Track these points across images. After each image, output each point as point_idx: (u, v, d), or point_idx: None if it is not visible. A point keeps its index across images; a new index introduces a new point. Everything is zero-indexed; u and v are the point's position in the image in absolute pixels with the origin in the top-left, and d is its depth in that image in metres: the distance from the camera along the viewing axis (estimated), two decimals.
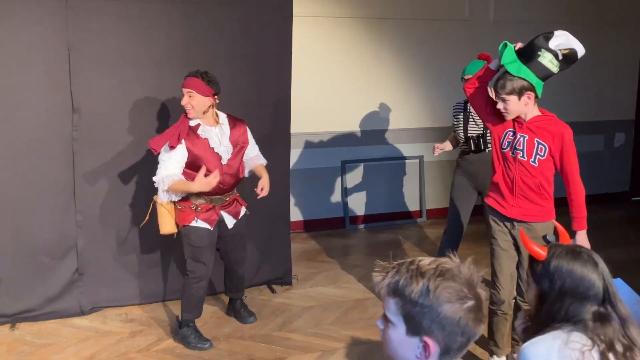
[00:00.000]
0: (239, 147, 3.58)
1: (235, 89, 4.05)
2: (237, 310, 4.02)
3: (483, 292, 1.29)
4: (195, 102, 3.35)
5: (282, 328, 3.85)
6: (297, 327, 3.86)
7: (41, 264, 3.91)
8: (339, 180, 6.06)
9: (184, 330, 3.62)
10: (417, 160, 6.38)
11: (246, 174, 3.77)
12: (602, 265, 1.64)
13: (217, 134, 3.49)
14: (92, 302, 4.04)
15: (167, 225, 3.50)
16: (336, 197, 6.09)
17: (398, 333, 1.29)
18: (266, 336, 3.73)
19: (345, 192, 6.08)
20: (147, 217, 3.65)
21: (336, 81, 5.84)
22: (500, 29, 6.13)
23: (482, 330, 1.30)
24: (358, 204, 6.19)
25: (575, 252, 1.66)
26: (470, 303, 1.25)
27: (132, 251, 4.12)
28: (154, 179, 3.41)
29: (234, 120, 3.61)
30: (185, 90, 3.35)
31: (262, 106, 4.29)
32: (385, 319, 1.33)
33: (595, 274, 1.60)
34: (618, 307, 1.59)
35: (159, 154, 3.42)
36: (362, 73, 5.94)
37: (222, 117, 3.58)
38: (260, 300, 4.21)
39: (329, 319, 3.98)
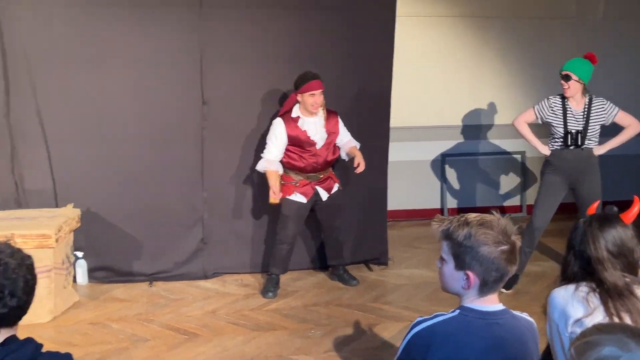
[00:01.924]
0: (331, 135, 4.22)
1: (340, 85, 4.53)
2: (340, 275, 4.56)
3: (517, 241, 1.65)
4: (321, 99, 4.02)
5: (376, 300, 4.27)
6: (389, 300, 4.27)
7: (173, 232, 4.62)
8: (438, 172, 6.35)
9: (267, 278, 4.37)
10: (519, 156, 6.50)
11: (344, 157, 4.39)
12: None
13: (314, 123, 4.13)
14: (214, 267, 4.70)
15: (272, 196, 4.16)
16: (435, 189, 6.38)
17: (449, 268, 1.69)
18: (362, 305, 4.16)
19: (444, 184, 6.36)
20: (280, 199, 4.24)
21: (438, 78, 6.11)
22: (609, 27, 6.10)
23: (514, 270, 1.66)
24: (456, 196, 6.44)
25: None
26: (504, 247, 1.62)
27: (248, 225, 4.73)
28: (262, 155, 4.18)
29: (328, 112, 4.24)
30: (318, 92, 4.01)
31: (364, 101, 4.73)
32: (441, 259, 1.73)
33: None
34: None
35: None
36: (464, 71, 6.16)
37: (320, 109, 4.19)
38: (358, 275, 4.64)
39: (420, 296, 4.34)
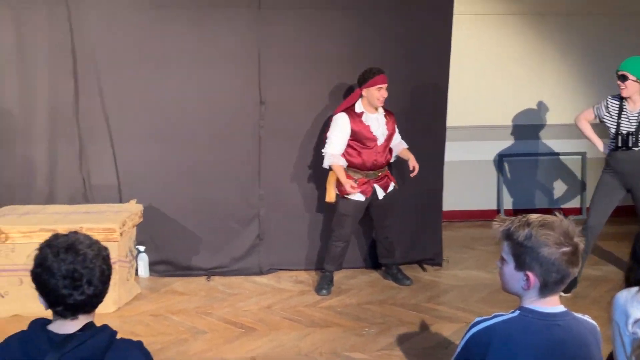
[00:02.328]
0: (390, 134, 4.26)
1: (397, 84, 4.51)
2: (393, 274, 4.57)
3: (581, 243, 1.63)
4: (386, 94, 4.09)
5: (430, 300, 4.26)
6: (444, 301, 4.24)
7: (231, 229, 4.74)
8: (494, 173, 6.25)
9: (321, 275, 4.43)
10: (579, 157, 6.32)
11: (392, 158, 4.41)
12: None
13: (377, 119, 4.18)
14: (269, 264, 4.79)
15: (331, 194, 4.25)
16: (491, 189, 6.28)
17: (509, 269, 1.69)
18: (415, 305, 4.16)
19: (501, 185, 6.25)
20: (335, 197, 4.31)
21: (495, 77, 6.02)
22: None
23: (576, 272, 1.64)
24: (513, 197, 6.33)
25: None
26: (565, 248, 1.60)
27: (303, 223, 4.79)
28: (323, 151, 4.22)
29: (386, 111, 4.28)
30: (384, 86, 4.07)
31: (421, 100, 4.72)
32: (501, 259, 1.72)
33: None
34: None
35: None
36: (523, 69, 6.05)
37: (380, 107, 4.23)
38: (412, 275, 4.62)
39: (475, 297, 4.29)
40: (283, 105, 4.64)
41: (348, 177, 4.21)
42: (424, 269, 4.87)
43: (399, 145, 4.41)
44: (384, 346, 3.56)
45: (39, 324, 1.68)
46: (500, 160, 6.23)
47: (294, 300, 4.27)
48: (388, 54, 4.59)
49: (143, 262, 4.66)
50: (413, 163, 4.27)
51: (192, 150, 4.63)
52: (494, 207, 6.28)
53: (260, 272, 4.75)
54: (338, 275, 4.58)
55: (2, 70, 4.42)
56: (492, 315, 1.74)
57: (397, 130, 4.37)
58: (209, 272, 4.72)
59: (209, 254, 4.74)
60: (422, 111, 4.73)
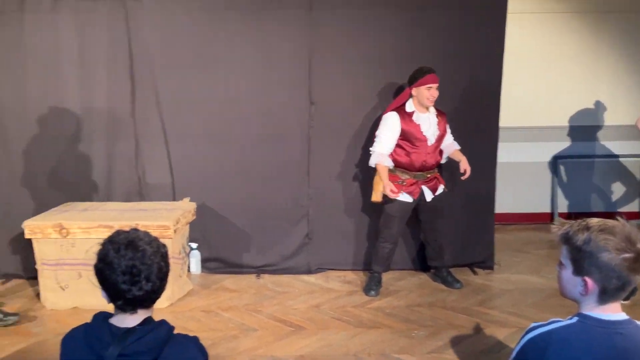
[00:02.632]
0: (441, 134, 4.20)
1: (449, 85, 4.46)
2: (443, 277, 4.52)
3: None
4: (437, 94, 4.05)
5: (481, 304, 4.18)
6: (495, 305, 4.16)
7: (280, 228, 4.79)
8: (548, 175, 6.09)
9: (369, 276, 4.42)
10: (639, 159, 6.09)
11: (443, 160, 4.34)
12: None
13: (428, 119, 4.14)
14: (318, 263, 4.82)
15: (378, 193, 4.22)
16: (545, 192, 6.12)
17: (567, 273, 1.65)
18: (466, 309, 4.10)
19: (556, 187, 6.08)
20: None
21: (550, 77, 5.87)
22: None
23: (638, 279, 1.59)
24: (568, 200, 6.15)
25: None
26: (627, 255, 1.55)
27: (351, 223, 4.80)
28: (371, 149, 4.20)
29: (438, 111, 4.22)
30: (434, 85, 4.03)
31: (473, 100, 4.64)
32: (560, 263, 1.68)
33: None
34: None
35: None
36: (578, 68, 5.88)
37: (431, 107, 4.17)
38: (462, 279, 4.56)
39: (528, 302, 4.19)
40: (332, 105, 4.65)
41: (395, 177, 4.19)
42: (474, 272, 4.79)
43: (450, 146, 4.34)
44: (433, 349, 3.53)
45: (101, 317, 1.74)
46: (554, 162, 6.06)
47: (342, 300, 4.28)
48: (439, 53, 4.54)
49: (195, 259, 4.77)
50: (465, 166, 4.20)
51: (244, 150, 4.71)
52: (547, 210, 6.12)
53: (309, 271, 4.78)
54: (386, 277, 4.56)
55: (64, 72, 4.59)
56: (549, 320, 1.69)
57: (449, 131, 4.31)
58: (259, 270, 4.79)
59: (259, 252, 4.81)
60: (474, 111, 4.65)
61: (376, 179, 4.25)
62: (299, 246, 4.80)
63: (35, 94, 4.60)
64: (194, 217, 4.55)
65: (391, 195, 4.11)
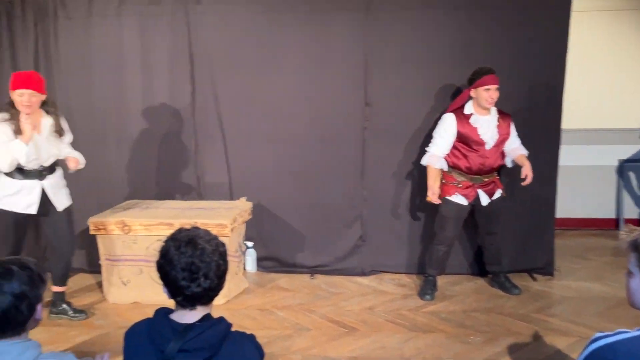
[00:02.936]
0: (502, 138, 4.07)
1: (509, 85, 4.34)
2: (501, 282, 4.41)
3: None
4: (496, 95, 3.94)
5: (540, 311, 4.06)
6: (555, 313, 4.03)
7: (334, 229, 4.80)
8: (613, 179, 5.84)
9: (424, 279, 4.38)
10: None
11: (509, 164, 4.20)
12: None
13: (487, 122, 4.02)
14: (371, 265, 4.80)
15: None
16: (609, 197, 5.88)
17: (635, 282, 1.59)
18: (524, 315, 3.98)
19: (621, 192, 5.83)
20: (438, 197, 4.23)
21: (615, 77, 5.65)
22: None
23: None
24: (634, 206, 5.88)
25: None
26: None
27: (406, 225, 4.75)
28: (426, 149, 4.16)
29: (501, 114, 4.10)
30: (493, 87, 3.92)
31: (535, 102, 4.51)
32: (628, 272, 1.62)
33: None
34: None
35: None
36: None
37: (493, 109, 4.06)
38: (521, 285, 4.43)
39: (590, 311, 4.03)
40: (388, 106, 4.63)
41: (451, 178, 4.13)
42: (534, 278, 4.66)
43: (516, 150, 4.16)
44: (490, 355, 3.45)
45: (162, 313, 1.79)
46: (620, 166, 5.82)
47: (396, 303, 4.25)
48: (500, 53, 4.43)
49: (251, 257, 4.84)
50: (527, 171, 4.04)
51: (299, 150, 4.75)
52: (612, 215, 5.87)
53: (363, 273, 4.76)
54: (442, 281, 4.50)
55: (128, 74, 4.76)
56: (616, 331, 1.63)
57: (514, 134, 4.17)
58: (313, 270, 4.81)
59: (313, 253, 4.83)
60: (535, 113, 4.52)
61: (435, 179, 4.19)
62: (353, 248, 4.79)
63: (101, 95, 4.79)
64: (250, 217, 4.63)
65: (433, 199, 4.10)
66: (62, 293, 4.03)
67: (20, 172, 3.65)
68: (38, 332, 1.84)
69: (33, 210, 3.71)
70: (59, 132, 3.79)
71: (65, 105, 4.63)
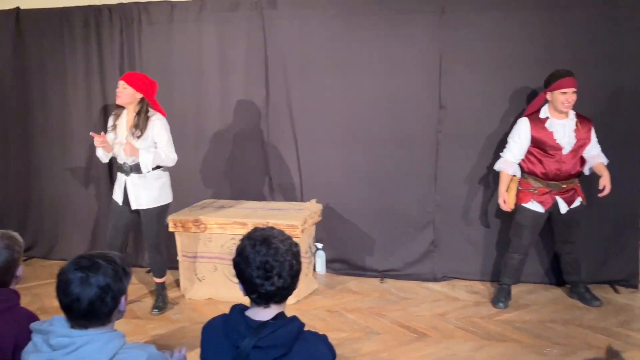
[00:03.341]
0: (580, 143, 3.90)
1: (591, 88, 4.18)
2: (580, 293, 4.24)
3: None
4: (573, 99, 3.80)
5: (623, 325, 3.85)
6: (639, 327, 3.82)
7: (405, 233, 4.75)
8: None
9: (498, 287, 4.27)
10: None
11: (586, 171, 4.03)
12: None
13: (563, 126, 3.87)
14: (443, 271, 4.72)
15: (509, 201, 4.06)
16: None
17: None
18: (605, 329, 3.79)
19: None
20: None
21: None
22: None
23: None
24: None
25: None
26: None
27: (479, 231, 4.65)
28: (501, 154, 4.08)
29: (580, 118, 3.93)
30: (570, 90, 3.79)
31: (619, 105, 4.29)
32: None
33: None
34: None
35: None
36: None
37: (571, 113, 3.89)
38: (602, 296, 4.23)
39: None
40: (463, 109, 4.54)
41: (527, 184, 4.00)
42: (616, 290, 4.43)
43: (595, 158, 3.99)
44: None
45: (237, 309, 1.84)
46: None
47: (468, 310, 4.15)
48: (581, 55, 4.25)
49: (321, 259, 4.88)
50: (605, 182, 3.89)
51: (370, 153, 4.74)
52: None
53: (434, 279, 4.70)
54: (517, 289, 4.36)
55: (206, 77, 4.92)
56: None
57: (594, 140, 3.99)
58: (383, 274, 4.79)
59: (383, 256, 4.81)
60: (620, 118, 4.30)
61: (511, 185, 4.08)
62: (424, 253, 4.73)
63: (180, 98, 4.97)
64: (320, 218, 4.66)
65: (503, 206, 4.02)
66: (158, 284, 4.25)
67: (116, 164, 4.08)
68: (118, 324, 1.93)
69: (119, 200, 4.05)
70: (137, 131, 3.89)
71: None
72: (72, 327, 1.81)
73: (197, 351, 1.94)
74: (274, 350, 1.71)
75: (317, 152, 4.85)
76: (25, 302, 4.30)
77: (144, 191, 3.99)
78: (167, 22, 4.92)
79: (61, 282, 1.81)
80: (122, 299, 1.89)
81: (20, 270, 2.35)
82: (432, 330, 3.84)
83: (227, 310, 1.88)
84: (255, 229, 1.87)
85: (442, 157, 4.63)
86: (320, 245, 4.88)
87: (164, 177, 4.08)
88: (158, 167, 4.00)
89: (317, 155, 4.85)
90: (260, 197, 4.97)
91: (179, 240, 4.41)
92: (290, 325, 1.77)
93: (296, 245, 1.88)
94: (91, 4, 5.11)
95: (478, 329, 3.83)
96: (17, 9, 5.24)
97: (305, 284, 4.42)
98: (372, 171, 4.76)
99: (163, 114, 4.03)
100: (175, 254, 4.51)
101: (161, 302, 4.20)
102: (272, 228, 1.88)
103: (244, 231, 1.88)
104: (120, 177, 4.03)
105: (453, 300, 4.33)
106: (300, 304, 4.28)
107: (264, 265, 1.78)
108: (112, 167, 4.75)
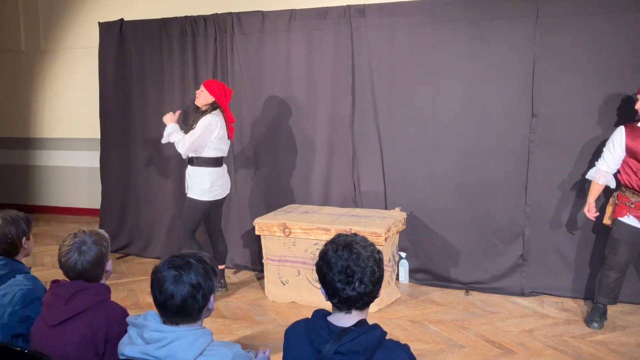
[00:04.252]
0: None
1: None
2: None
3: None
4: None
5: None
6: None
7: (492, 245, 4.60)
8: None
9: (592, 306, 4.03)
10: None
11: None
12: None
13: None
14: (532, 286, 4.52)
15: (607, 216, 3.88)
16: None
17: None
18: None
19: None
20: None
21: None
22: None
23: None
24: None
25: None
26: None
27: (572, 245, 4.41)
28: (595, 163, 3.91)
29: None
30: None
31: None
32: None
33: None
34: None
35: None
36: None
37: None
38: None
39: None
40: (556, 117, 4.35)
41: (625, 198, 3.76)
42: None
43: None
44: None
45: (320, 314, 1.86)
46: None
47: (559, 328, 3.96)
48: None
49: (404, 268, 4.83)
50: None
51: (458, 162, 4.64)
52: None
53: (522, 294, 4.51)
54: (613, 309, 4.11)
55: (294, 85, 5.03)
56: None
57: None
58: (468, 287, 4.66)
59: (468, 268, 4.68)
60: None
61: (611, 199, 3.87)
62: (512, 266, 4.56)
63: (269, 105, 5.10)
64: (404, 227, 4.61)
65: (589, 216, 3.86)
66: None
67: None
68: (205, 322, 2.01)
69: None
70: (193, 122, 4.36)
71: (237, 115, 5.02)
72: (164, 322, 1.90)
73: (281, 354, 1.98)
74: (355, 357, 1.71)
75: (402, 160, 4.81)
76: (121, 296, 4.57)
77: (189, 180, 4.42)
78: (258, 31, 5.07)
79: (156, 279, 1.91)
80: (211, 298, 1.97)
81: (109, 265, 2.46)
82: (519, 347, 3.69)
83: (309, 315, 1.90)
84: (339, 235, 1.89)
85: (534, 166, 4.45)
86: (403, 254, 4.83)
87: (206, 176, 4.36)
88: (205, 164, 4.34)
89: (402, 163, 4.81)
90: (344, 204, 5.00)
91: (264, 244, 4.52)
92: (372, 333, 1.77)
93: (379, 252, 1.88)
94: (188, 14, 5.36)
95: (569, 349, 3.64)
96: (121, 20, 5.60)
97: (387, 293, 4.39)
98: (460, 180, 4.65)
99: (232, 119, 4.47)
100: (260, 257, 4.63)
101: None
102: (355, 234, 1.89)
103: (328, 237, 1.90)
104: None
105: (542, 317, 4.14)
106: (382, 312, 4.25)
107: (345, 269, 1.80)
108: None
